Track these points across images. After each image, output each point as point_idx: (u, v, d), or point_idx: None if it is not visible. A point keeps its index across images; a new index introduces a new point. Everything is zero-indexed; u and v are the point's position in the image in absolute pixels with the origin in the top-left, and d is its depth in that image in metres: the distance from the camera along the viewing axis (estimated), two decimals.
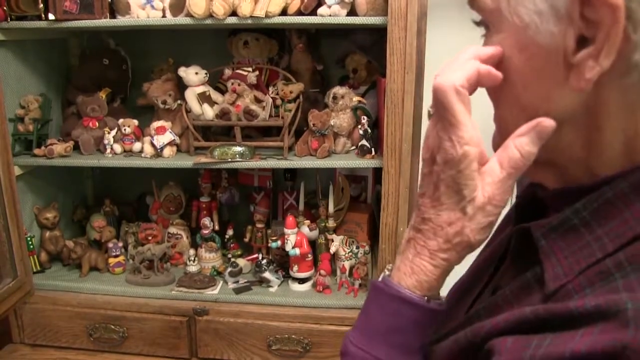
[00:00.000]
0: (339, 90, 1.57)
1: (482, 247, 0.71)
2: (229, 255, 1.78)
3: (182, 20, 1.47)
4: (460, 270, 0.75)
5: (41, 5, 1.47)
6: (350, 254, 1.62)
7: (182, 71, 1.60)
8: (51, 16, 1.47)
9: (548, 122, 0.48)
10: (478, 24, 0.54)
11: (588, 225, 0.48)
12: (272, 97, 1.62)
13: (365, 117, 1.55)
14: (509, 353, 0.45)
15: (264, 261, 1.66)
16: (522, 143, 0.49)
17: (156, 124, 1.61)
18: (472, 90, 0.51)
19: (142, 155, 1.62)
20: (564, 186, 0.53)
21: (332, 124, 1.55)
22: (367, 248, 1.64)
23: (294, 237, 1.59)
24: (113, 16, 1.53)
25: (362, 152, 1.53)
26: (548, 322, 0.44)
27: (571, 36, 0.45)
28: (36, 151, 1.60)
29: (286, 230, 1.59)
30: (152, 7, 1.50)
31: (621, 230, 0.46)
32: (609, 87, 0.46)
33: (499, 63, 0.51)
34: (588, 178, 0.50)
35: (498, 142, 0.55)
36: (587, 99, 0.47)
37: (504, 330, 0.47)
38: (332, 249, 1.62)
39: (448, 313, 0.69)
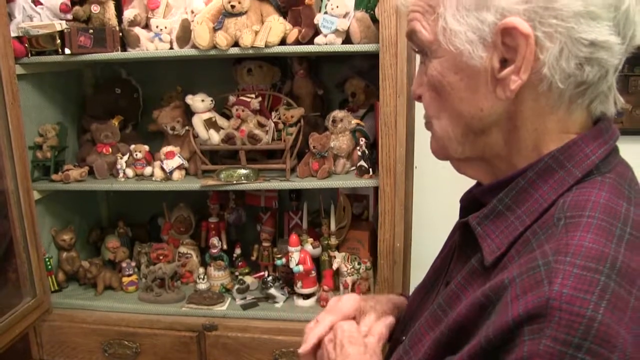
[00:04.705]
0: (338, 113, 1.62)
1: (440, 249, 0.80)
2: (237, 273, 1.83)
3: (188, 51, 1.55)
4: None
5: (58, 41, 1.57)
6: (352, 270, 1.66)
7: (189, 99, 1.68)
8: (67, 51, 1.57)
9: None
10: (417, 52, 0.67)
11: (510, 208, 0.60)
12: (274, 122, 1.68)
13: (363, 139, 1.60)
14: (471, 347, 0.53)
15: (270, 278, 1.71)
16: None
17: (166, 149, 1.69)
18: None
19: (153, 179, 1.69)
20: (493, 181, 0.65)
21: (332, 146, 1.61)
22: (368, 264, 1.69)
23: (298, 254, 1.64)
24: (124, 49, 1.62)
25: (361, 172, 1.58)
26: (494, 295, 0.53)
27: (496, 59, 0.58)
28: (54, 177, 1.68)
29: (290, 249, 1.65)
30: (160, 39, 1.59)
31: (534, 208, 0.59)
32: (525, 96, 0.59)
33: (437, 84, 0.63)
34: (511, 171, 0.62)
35: (435, 148, 0.70)
36: (509, 106, 0.59)
37: (468, 315, 0.56)
38: (335, 266, 1.66)
39: (413, 313, 0.76)
